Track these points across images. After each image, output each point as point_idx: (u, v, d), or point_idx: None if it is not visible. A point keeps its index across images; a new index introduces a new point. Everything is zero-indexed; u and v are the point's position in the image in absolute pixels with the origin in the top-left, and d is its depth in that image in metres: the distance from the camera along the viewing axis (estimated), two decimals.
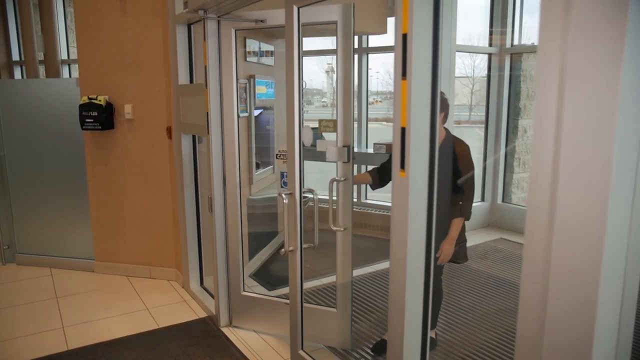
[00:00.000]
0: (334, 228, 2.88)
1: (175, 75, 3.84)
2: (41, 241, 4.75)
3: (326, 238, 2.96)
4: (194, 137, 3.93)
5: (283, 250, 2.56)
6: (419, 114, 1.76)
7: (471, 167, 2.87)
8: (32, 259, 4.76)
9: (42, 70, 6.71)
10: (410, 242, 1.81)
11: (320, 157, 2.89)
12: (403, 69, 1.75)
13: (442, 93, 3.01)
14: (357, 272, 4.43)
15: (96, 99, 4.18)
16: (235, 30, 3.21)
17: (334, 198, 2.83)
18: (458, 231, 2.85)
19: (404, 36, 1.73)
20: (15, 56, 7.19)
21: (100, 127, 4.17)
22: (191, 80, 3.87)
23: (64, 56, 6.89)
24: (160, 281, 4.35)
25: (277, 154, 3.28)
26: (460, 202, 2.87)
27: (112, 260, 4.50)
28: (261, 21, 3.15)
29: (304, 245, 2.65)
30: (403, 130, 1.78)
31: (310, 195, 2.84)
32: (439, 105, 1.81)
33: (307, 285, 4.25)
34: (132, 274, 4.45)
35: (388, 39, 5.59)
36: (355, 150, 5.23)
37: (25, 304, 3.93)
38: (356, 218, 5.88)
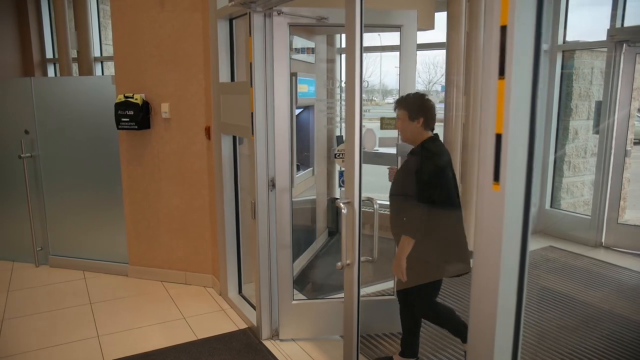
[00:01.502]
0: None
1: (216, 73, 3.65)
2: (74, 243, 4.63)
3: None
4: (234, 138, 3.74)
5: (340, 263, 2.34)
6: (518, 119, 1.51)
7: (425, 181, 2.59)
8: (65, 261, 4.65)
9: (74, 67, 6.64)
10: (504, 268, 1.57)
11: (380, 160, 2.74)
12: (501, 67, 1.50)
13: (422, 95, 2.78)
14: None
15: (132, 98, 4.02)
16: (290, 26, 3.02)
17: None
18: (404, 250, 2.59)
19: (503, 29, 1.49)
20: (48, 54, 7.15)
21: (136, 127, 4.02)
22: (232, 79, 3.68)
23: (97, 54, 6.80)
24: (196, 287, 4.18)
25: (335, 154, 3.10)
26: (404, 218, 2.67)
27: (147, 265, 4.35)
28: (324, 19, 2.96)
29: (362, 259, 2.43)
30: (498, 137, 1.53)
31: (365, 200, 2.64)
32: (538, 107, 1.56)
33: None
34: (167, 279, 4.29)
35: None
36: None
37: (59, 310, 3.79)
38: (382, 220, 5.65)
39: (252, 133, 3.10)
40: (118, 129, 4.07)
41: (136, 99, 4.01)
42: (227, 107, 3.55)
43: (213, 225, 4.02)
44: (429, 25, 4.57)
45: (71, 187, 4.56)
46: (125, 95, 4.04)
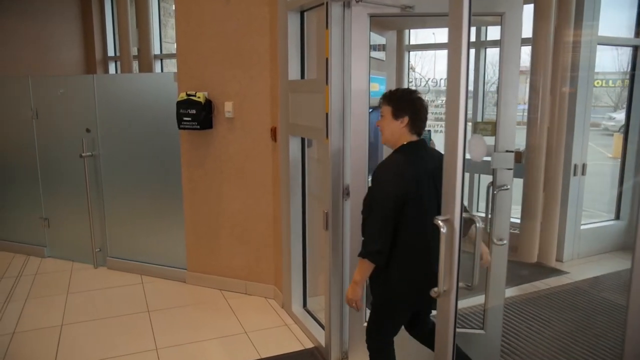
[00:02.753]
0: (494, 242, 2.65)
1: (285, 70, 3.38)
2: (132, 246, 4.50)
3: None
4: (303, 140, 3.46)
5: (435, 290, 2.00)
6: None
7: (374, 193, 2.21)
8: (123, 264, 4.52)
9: (134, 65, 6.59)
10: None
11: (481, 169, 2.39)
12: None
13: (412, 91, 2.27)
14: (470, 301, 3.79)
15: (195, 96, 3.82)
16: (370, 17, 2.70)
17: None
18: (362, 273, 2.22)
19: None
20: (110, 52, 7.16)
21: (198, 127, 3.81)
22: (302, 76, 3.40)
23: (157, 51, 6.72)
24: (256, 298, 3.93)
25: None
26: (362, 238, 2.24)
27: (205, 272, 4.15)
28: (409, 7, 2.64)
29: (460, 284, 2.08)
30: None
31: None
32: None
33: None
34: (226, 287, 4.07)
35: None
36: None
37: (118, 317, 3.64)
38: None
39: (327, 136, 2.81)
40: (179, 128, 3.88)
41: (199, 97, 3.81)
42: (297, 107, 3.27)
43: (277, 233, 3.76)
44: None
45: (130, 187, 4.43)
46: (188, 93, 3.84)
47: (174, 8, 7.18)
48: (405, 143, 2.25)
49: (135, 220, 4.46)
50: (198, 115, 3.78)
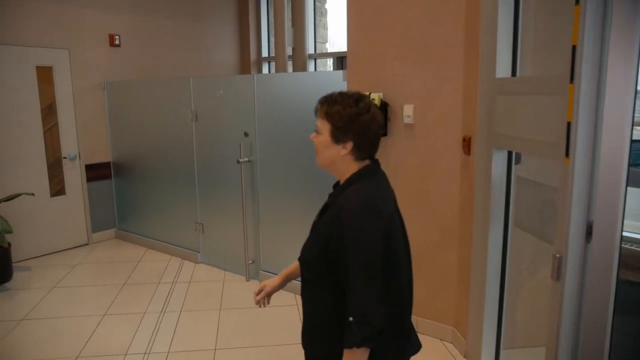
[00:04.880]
0: None
1: (490, 66, 2.68)
2: (287, 261, 4.00)
3: None
4: (510, 154, 2.73)
5: None
6: None
7: (356, 244, 1.41)
8: None
9: (288, 65, 6.34)
10: None
11: None
12: None
13: (359, 99, 1.53)
14: None
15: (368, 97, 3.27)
16: None
17: None
18: None
19: None
20: (264, 53, 7.03)
21: None
22: (513, 73, 2.67)
23: (310, 51, 6.40)
24: (431, 339, 3.28)
25: None
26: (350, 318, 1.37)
27: None
28: None
29: None
30: None
31: None
32: None
33: None
34: None
35: None
36: None
37: (272, 346, 3.23)
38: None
39: (567, 153, 2.06)
40: None
41: (373, 99, 3.25)
42: (509, 112, 2.55)
43: (463, 266, 3.08)
44: None
45: (288, 197, 4.03)
46: None
47: (326, 7, 6.83)
48: (356, 171, 1.57)
49: (291, 234, 4.06)
50: None
